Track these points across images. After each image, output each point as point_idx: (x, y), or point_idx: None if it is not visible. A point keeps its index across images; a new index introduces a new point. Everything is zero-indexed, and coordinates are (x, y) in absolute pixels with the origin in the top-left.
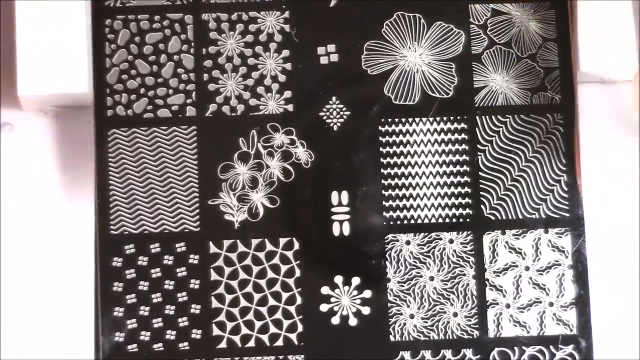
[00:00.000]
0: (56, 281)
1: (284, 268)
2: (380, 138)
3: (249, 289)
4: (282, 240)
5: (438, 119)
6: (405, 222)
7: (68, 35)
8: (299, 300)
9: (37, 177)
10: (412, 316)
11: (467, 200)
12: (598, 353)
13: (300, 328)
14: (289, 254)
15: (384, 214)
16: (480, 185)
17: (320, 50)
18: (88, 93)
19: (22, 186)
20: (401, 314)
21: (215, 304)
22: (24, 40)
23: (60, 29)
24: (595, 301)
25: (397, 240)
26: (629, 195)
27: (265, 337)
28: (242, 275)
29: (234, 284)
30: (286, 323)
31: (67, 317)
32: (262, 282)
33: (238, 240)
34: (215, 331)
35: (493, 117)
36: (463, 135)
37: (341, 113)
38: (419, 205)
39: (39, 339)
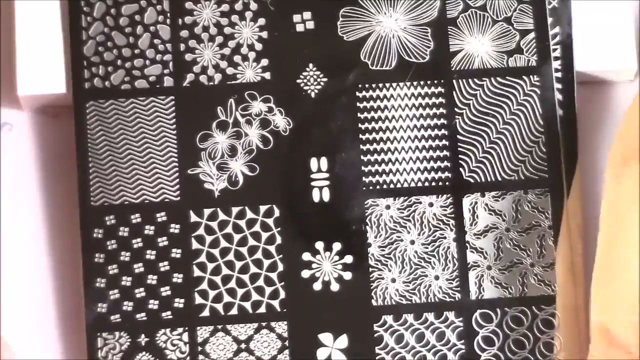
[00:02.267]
0: (56, 281)
1: (264, 235)
2: (358, 104)
3: (231, 257)
4: (262, 208)
5: (415, 83)
6: (385, 186)
7: (68, 36)
8: (280, 267)
9: (37, 177)
10: (393, 280)
11: (445, 163)
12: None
13: (282, 295)
14: (270, 221)
15: (363, 179)
16: (459, 149)
17: (296, 17)
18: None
19: (22, 186)
20: (383, 278)
21: (197, 272)
22: (24, 40)
23: (60, 29)
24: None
25: (377, 205)
26: None
27: (247, 305)
28: (224, 243)
29: (216, 252)
30: (268, 290)
31: (68, 317)
32: (244, 250)
33: (218, 209)
34: (198, 300)
35: (470, 80)
36: (440, 99)
37: (318, 80)
38: (398, 170)
39: (38, 340)
